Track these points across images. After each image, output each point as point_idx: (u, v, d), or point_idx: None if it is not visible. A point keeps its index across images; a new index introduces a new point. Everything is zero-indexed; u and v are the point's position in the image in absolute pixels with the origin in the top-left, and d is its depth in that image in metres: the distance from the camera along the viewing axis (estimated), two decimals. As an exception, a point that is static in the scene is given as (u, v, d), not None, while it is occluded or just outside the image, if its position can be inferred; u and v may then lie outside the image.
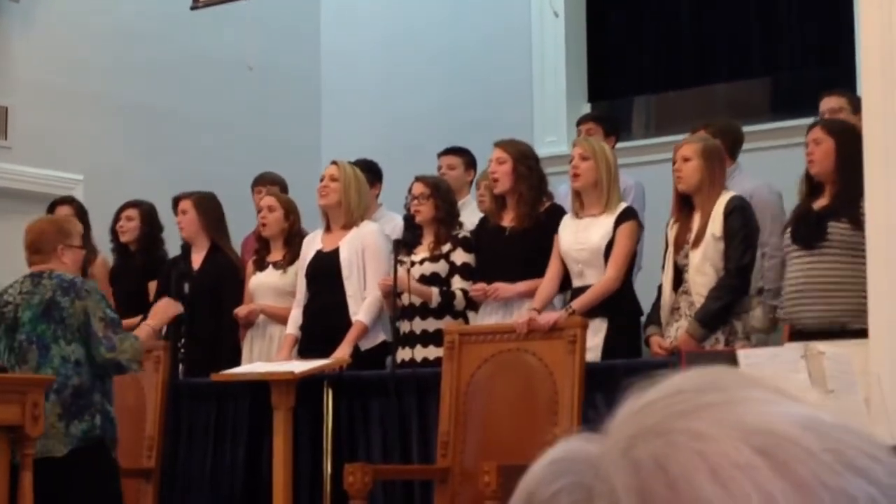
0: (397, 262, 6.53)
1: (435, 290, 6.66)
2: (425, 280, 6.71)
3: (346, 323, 6.71)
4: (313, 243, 7.01)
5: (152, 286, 7.75)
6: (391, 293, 6.57)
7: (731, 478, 0.65)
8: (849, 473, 0.66)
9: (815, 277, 5.70)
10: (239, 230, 8.18)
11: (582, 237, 6.24)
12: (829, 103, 6.68)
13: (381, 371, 6.54)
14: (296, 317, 6.96)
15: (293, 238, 7.32)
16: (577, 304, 6.03)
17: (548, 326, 5.78)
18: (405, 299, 6.64)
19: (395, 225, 7.53)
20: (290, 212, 7.36)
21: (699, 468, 0.65)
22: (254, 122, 10.52)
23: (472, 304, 6.69)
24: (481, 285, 6.51)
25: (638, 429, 0.69)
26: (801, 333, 5.62)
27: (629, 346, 6.19)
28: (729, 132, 6.89)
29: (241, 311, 7.21)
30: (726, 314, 5.83)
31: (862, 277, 5.47)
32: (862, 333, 5.21)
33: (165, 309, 6.13)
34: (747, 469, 0.65)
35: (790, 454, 0.66)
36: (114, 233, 8.11)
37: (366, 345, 6.74)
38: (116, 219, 8.09)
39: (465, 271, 6.73)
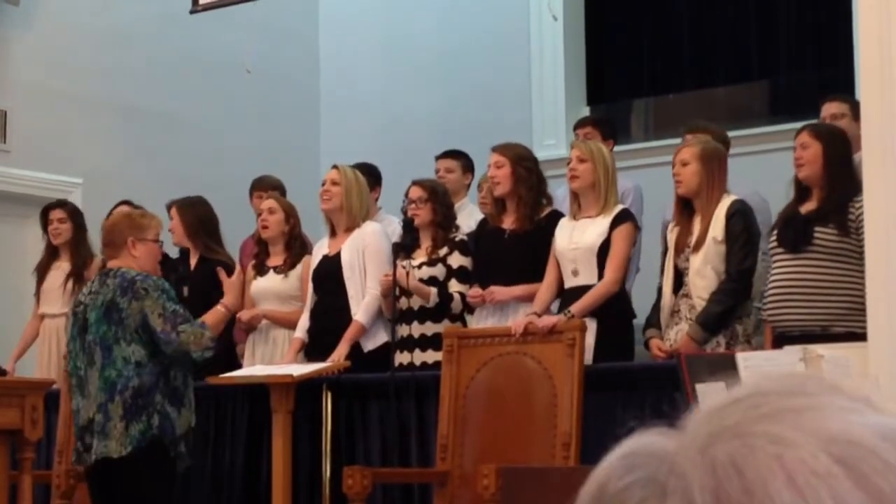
0: (396, 266, 6.53)
1: (433, 290, 6.67)
2: (423, 284, 6.71)
3: (350, 324, 6.72)
4: (321, 249, 7.02)
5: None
6: (391, 293, 6.56)
7: (808, 485, 0.64)
8: None
9: (798, 281, 5.71)
10: (237, 234, 8.17)
11: (577, 237, 6.23)
12: (831, 109, 6.69)
13: (379, 374, 6.54)
14: (304, 322, 6.97)
15: (293, 241, 7.32)
16: (576, 308, 6.01)
17: (546, 329, 5.78)
18: (403, 303, 6.65)
19: (393, 228, 7.53)
20: (291, 215, 7.37)
21: (776, 473, 0.65)
22: (252, 126, 10.53)
23: (469, 307, 6.69)
24: (477, 290, 6.51)
25: (717, 428, 0.68)
26: (782, 336, 5.62)
27: (620, 348, 6.18)
28: (724, 138, 6.91)
29: (244, 315, 7.22)
30: (728, 318, 5.83)
31: (846, 282, 5.50)
32: (845, 337, 5.24)
33: (237, 283, 6.18)
34: (825, 477, 0.64)
35: (869, 465, 0.65)
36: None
37: (369, 346, 6.74)
38: (108, 217, 8.05)
39: (462, 275, 6.73)
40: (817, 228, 5.70)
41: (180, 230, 7.55)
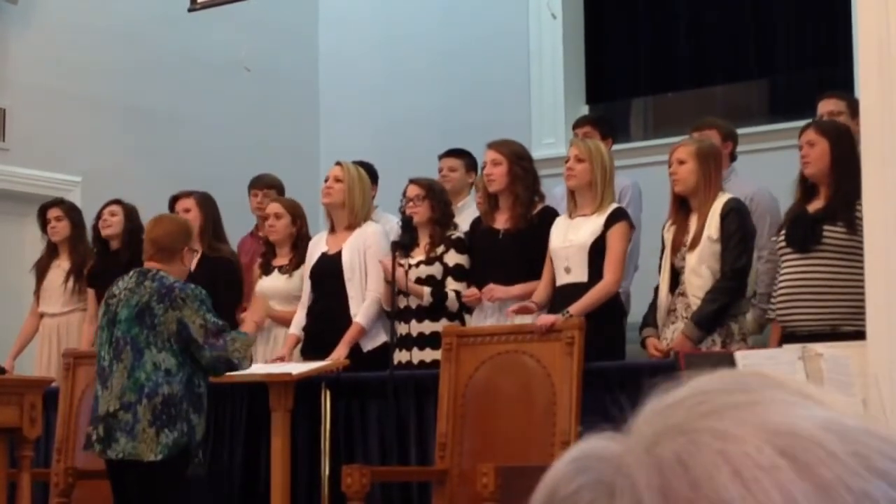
0: (395, 264, 6.54)
1: (427, 290, 6.68)
2: (421, 282, 6.71)
3: (349, 325, 6.72)
4: (318, 246, 7.01)
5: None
6: (391, 282, 6.56)
7: (754, 478, 0.65)
8: (871, 476, 0.66)
9: (808, 280, 5.70)
10: (236, 231, 8.17)
11: (571, 235, 6.23)
12: (828, 106, 6.67)
13: (378, 373, 6.54)
14: (300, 318, 6.96)
15: (300, 242, 7.31)
16: (575, 308, 6.00)
17: (545, 328, 5.78)
18: (402, 301, 6.65)
19: (392, 227, 7.53)
20: (297, 217, 7.36)
21: (722, 468, 0.65)
22: (251, 124, 10.52)
23: (466, 306, 6.69)
24: (474, 290, 6.51)
25: (662, 427, 0.69)
26: (792, 335, 5.62)
27: (610, 346, 6.16)
28: (732, 133, 6.93)
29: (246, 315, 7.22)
30: (722, 316, 5.83)
31: (855, 280, 5.48)
32: (854, 336, 5.22)
33: (262, 303, 6.48)
34: (770, 470, 0.65)
35: (813, 456, 0.66)
36: (95, 230, 8.03)
37: (368, 346, 6.74)
38: (99, 216, 8.03)
39: (458, 273, 6.73)
40: (826, 227, 5.69)
41: (198, 224, 7.48)
